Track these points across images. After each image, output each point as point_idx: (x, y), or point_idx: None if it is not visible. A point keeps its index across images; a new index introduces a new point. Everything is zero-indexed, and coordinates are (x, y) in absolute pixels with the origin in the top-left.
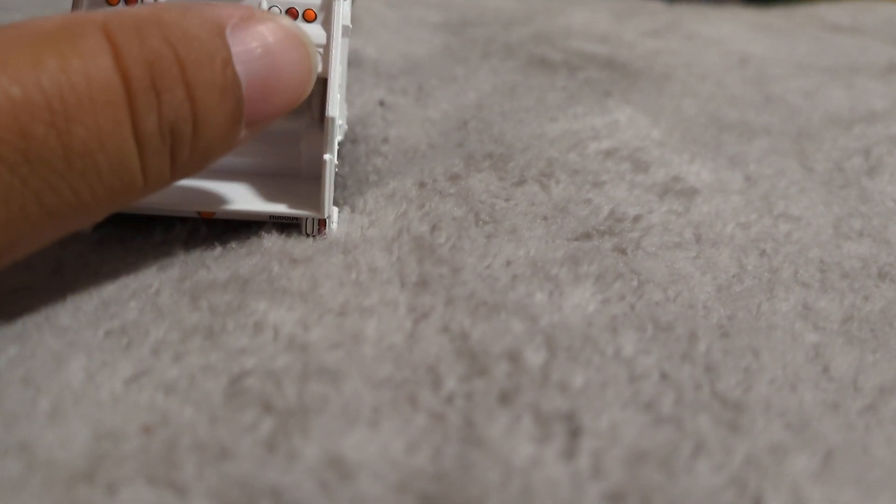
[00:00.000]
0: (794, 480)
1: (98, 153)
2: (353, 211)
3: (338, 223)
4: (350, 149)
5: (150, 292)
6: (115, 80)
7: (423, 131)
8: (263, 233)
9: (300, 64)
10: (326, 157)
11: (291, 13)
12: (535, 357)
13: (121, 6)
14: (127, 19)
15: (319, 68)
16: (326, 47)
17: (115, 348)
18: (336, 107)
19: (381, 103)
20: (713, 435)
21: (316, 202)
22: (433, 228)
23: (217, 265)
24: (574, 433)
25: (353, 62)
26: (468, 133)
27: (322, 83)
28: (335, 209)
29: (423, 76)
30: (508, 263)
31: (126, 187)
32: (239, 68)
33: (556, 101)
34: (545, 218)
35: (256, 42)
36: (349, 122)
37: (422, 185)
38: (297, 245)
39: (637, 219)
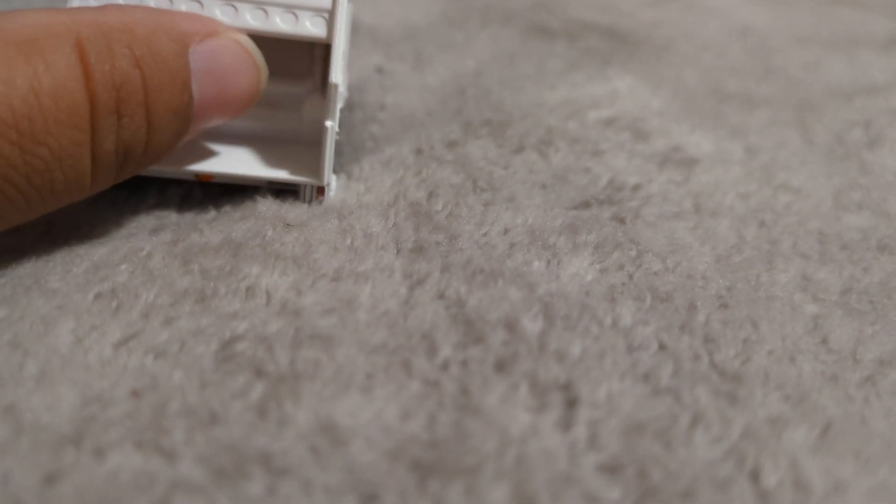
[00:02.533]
0: (792, 453)
1: (56, 171)
2: (349, 177)
3: (335, 192)
4: (347, 115)
5: (142, 255)
6: (83, 103)
7: (420, 98)
8: (258, 197)
9: (249, 82)
10: (328, 123)
11: None
12: (532, 326)
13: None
14: (99, 31)
15: (265, 84)
16: (332, 13)
17: (104, 311)
18: (340, 73)
19: (379, 70)
20: (711, 407)
21: (315, 169)
22: (430, 195)
23: (210, 229)
24: (571, 403)
25: (351, 29)
26: (466, 100)
27: (326, 49)
28: (333, 177)
29: (420, 43)
30: (506, 231)
31: (73, 195)
32: (194, 87)
33: (555, 70)
34: (544, 186)
35: (214, 62)
36: (348, 92)
37: (419, 151)
38: (292, 210)
39: (636, 188)
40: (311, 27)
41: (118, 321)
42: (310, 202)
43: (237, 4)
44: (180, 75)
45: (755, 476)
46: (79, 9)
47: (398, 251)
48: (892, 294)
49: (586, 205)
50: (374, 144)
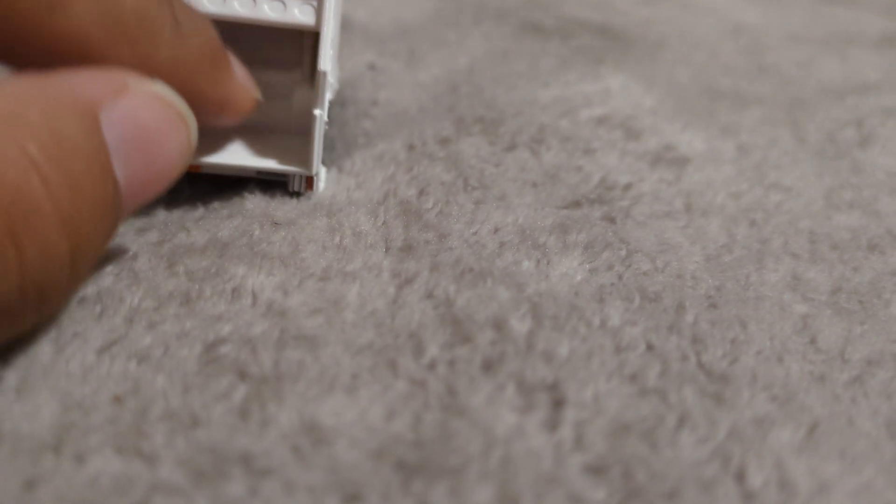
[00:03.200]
0: (778, 453)
1: None
2: (340, 172)
3: (324, 183)
4: (339, 111)
5: (128, 256)
6: None
7: (413, 95)
8: (247, 193)
9: (178, 143)
10: (317, 112)
11: None
12: (520, 326)
13: None
14: None
15: (195, 139)
16: (320, 0)
17: (87, 317)
18: (328, 61)
19: (371, 67)
20: (698, 407)
21: (304, 158)
22: (421, 193)
23: (197, 228)
24: (557, 404)
25: (343, 26)
26: (459, 97)
27: (315, 38)
28: (323, 168)
29: (413, 40)
30: (496, 230)
31: None
32: (116, 168)
33: (548, 68)
34: (535, 185)
35: (134, 127)
36: (339, 84)
37: (411, 147)
38: (281, 207)
39: (627, 187)
40: (300, 15)
41: (101, 327)
42: (299, 193)
43: None
44: (98, 160)
45: (740, 476)
46: None
47: (387, 250)
48: (881, 294)
49: (577, 204)
50: (367, 140)
